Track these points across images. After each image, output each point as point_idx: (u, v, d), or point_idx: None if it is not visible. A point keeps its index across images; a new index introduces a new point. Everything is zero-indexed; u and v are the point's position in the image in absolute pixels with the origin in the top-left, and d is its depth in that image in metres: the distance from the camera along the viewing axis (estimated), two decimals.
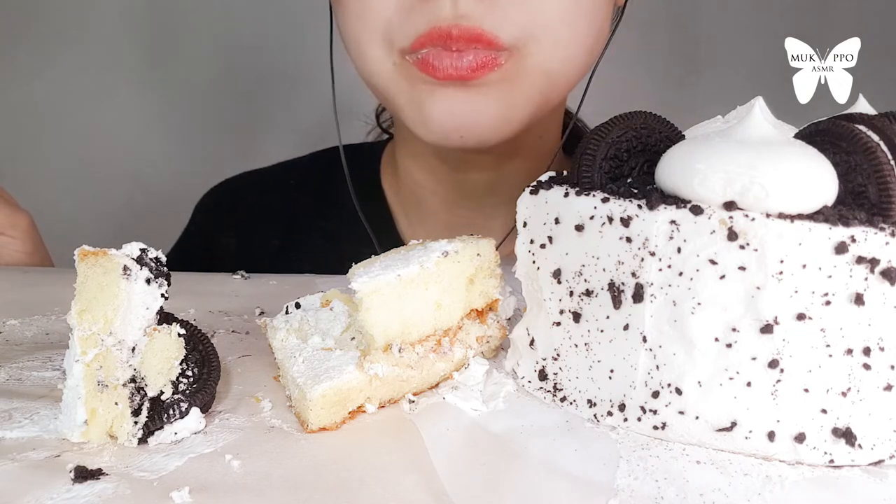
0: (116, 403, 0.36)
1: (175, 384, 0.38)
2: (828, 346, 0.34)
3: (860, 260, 0.33)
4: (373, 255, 0.44)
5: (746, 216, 0.33)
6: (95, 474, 0.33)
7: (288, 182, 0.86)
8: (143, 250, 0.37)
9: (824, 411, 0.34)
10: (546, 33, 0.57)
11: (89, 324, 0.36)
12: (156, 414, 0.37)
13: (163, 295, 0.37)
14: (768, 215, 0.33)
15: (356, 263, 0.42)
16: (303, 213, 0.84)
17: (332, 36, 0.68)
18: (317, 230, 0.81)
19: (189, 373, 0.38)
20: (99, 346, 0.36)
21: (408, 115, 0.61)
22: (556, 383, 0.41)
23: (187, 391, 0.38)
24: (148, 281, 0.37)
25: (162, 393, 0.37)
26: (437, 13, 0.54)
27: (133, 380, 0.37)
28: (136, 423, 0.36)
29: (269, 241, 0.83)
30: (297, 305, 0.47)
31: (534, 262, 0.41)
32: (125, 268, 0.36)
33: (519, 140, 0.64)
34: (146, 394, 0.37)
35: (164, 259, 0.38)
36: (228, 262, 0.77)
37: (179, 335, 0.38)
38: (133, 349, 0.37)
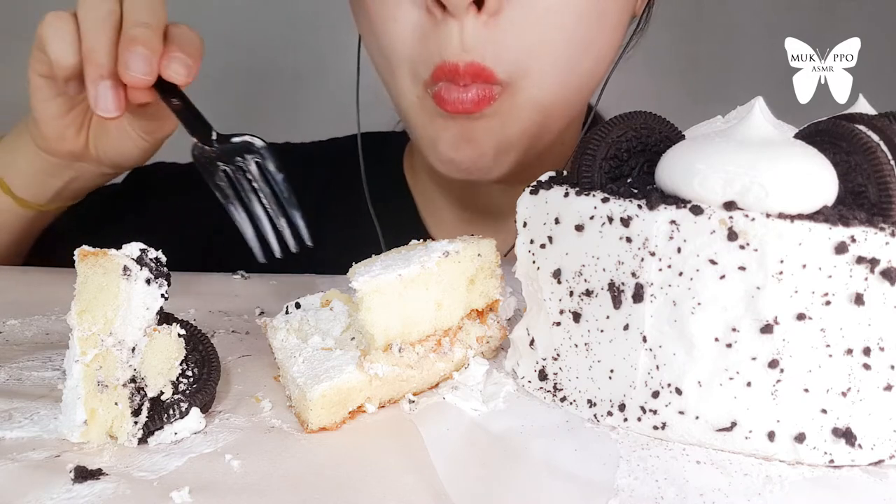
0: (116, 403, 0.36)
1: (175, 384, 0.38)
2: (828, 346, 0.34)
3: (860, 260, 0.33)
4: (373, 256, 0.44)
5: (746, 216, 0.33)
6: (95, 474, 0.33)
7: (325, 160, 0.86)
8: (142, 250, 0.37)
9: (824, 411, 0.34)
10: (536, 68, 0.59)
11: (89, 324, 0.36)
12: (156, 414, 0.37)
13: (163, 295, 0.37)
14: (768, 215, 0.33)
15: (356, 263, 0.42)
16: (334, 191, 0.84)
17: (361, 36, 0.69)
18: (344, 211, 0.81)
19: (189, 373, 0.38)
20: (99, 346, 0.36)
21: (423, 144, 0.65)
22: (556, 383, 0.41)
23: (187, 391, 0.38)
24: (148, 281, 0.37)
25: (162, 393, 0.37)
26: (448, 40, 0.57)
27: (133, 380, 0.37)
28: (135, 423, 0.36)
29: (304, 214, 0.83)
30: (297, 305, 0.47)
31: (534, 262, 0.41)
32: (125, 268, 0.36)
33: (531, 162, 0.65)
34: (146, 394, 0.37)
35: (164, 259, 0.38)
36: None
37: (179, 335, 0.38)
38: (133, 349, 0.37)
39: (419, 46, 0.59)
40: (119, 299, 0.36)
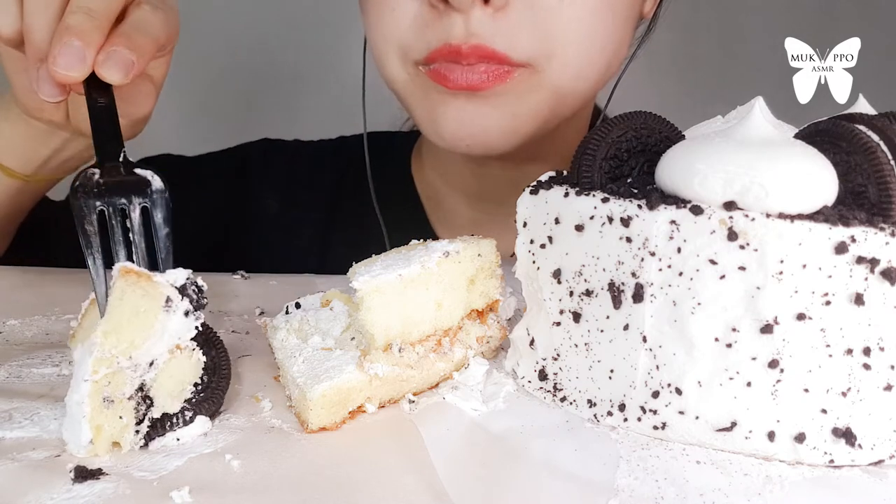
0: (121, 417, 0.35)
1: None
2: (828, 346, 0.34)
3: (860, 260, 0.33)
4: (373, 255, 0.44)
5: (746, 216, 0.33)
6: (95, 474, 0.33)
7: (334, 158, 0.86)
8: (188, 279, 0.36)
9: (824, 411, 0.34)
10: (557, 54, 0.58)
11: (112, 346, 0.34)
12: (159, 423, 0.36)
13: (196, 327, 0.37)
14: (768, 215, 0.33)
15: (356, 262, 0.42)
16: (342, 191, 0.83)
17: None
18: (352, 210, 0.81)
19: (197, 380, 0.38)
20: (113, 366, 0.34)
21: (421, 121, 0.64)
22: (556, 383, 0.41)
23: (194, 399, 0.37)
24: (186, 313, 0.36)
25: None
26: (450, 30, 0.56)
27: (141, 388, 0.36)
28: (137, 432, 0.36)
29: (311, 213, 0.82)
30: (297, 305, 0.47)
31: (534, 262, 0.41)
32: (168, 299, 0.35)
33: (540, 140, 0.64)
34: (152, 404, 0.36)
35: (205, 288, 0.37)
36: (262, 222, 0.78)
37: (201, 359, 0.38)
38: (151, 363, 0.36)
39: (416, 33, 0.58)
40: (153, 329, 0.35)
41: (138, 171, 0.43)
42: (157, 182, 0.43)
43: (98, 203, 0.41)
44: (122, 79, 0.46)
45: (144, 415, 0.36)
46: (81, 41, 0.45)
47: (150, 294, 0.35)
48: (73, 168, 0.68)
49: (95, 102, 0.46)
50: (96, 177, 0.42)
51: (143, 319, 0.35)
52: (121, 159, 0.43)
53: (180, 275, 0.36)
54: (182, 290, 0.36)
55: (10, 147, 0.63)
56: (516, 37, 0.56)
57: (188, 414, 0.37)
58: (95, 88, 0.46)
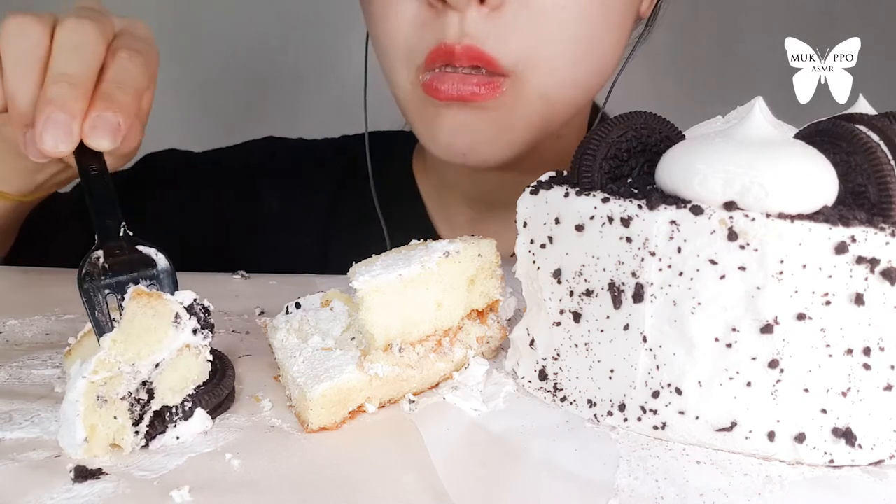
0: (115, 417, 0.35)
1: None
2: (828, 346, 0.34)
3: (860, 260, 0.33)
4: (373, 255, 0.44)
5: (746, 216, 0.33)
6: (95, 474, 0.33)
7: (336, 157, 0.86)
8: (194, 299, 0.37)
9: (824, 411, 0.34)
10: (544, 61, 0.59)
11: (118, 353, 0.35)
12: (157, 420, 0.36)
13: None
14: (768, 215, 0.33)
15: (356, 262, 0.42)
16: (345, 191, 0.83)
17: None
18: (354, 210, 0.81)
19: (201, 384, 0.38)
20: (114, 371, 0.35)
21: (419, 132, 0.65)
22: (556, 383, 0.41)
23: (194, 392, 0.38)
24: (195, 331, 0.37)
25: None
26: (446, 30, 0.57)
27: (144, 385, 0.36)
28: (136, 432, 0.36)
29: (312, 212, 0.83)
30: (297, 305, 0.47)
31: (534, 262, 0.41)
32: (177, 315, 0.36)
33: (538, 145, 0.65)
34: (149, 400, 0.36)
35: (212, 309, 0.38)
36: (263, 221, 0.78)
37: (208, 360, 0.38)
38: (157, 365, 0.36)
39: (417, 33, 0.59)
40: (162, 344, 0.36)
41: (141, 248, 0.42)
42: (161, 261, 0.42)
43: (107, 291, 0.41)
44: (111, 144, 0.45)
45: (143, 413, 0.36)
46: (65, 114, 0.44)
47: (160, 313, 0.36)
48: (69, 181, 0.68)
49: (88, 171, 0.45)
50: (101, 261, 0.41)
51: (153, 335, 0.36)
52: (121, 233, 0.43)
53: (188, 295, 0.37)
54: (189, 309, 0.37)
55: (4, 175, 0.62)
56: (507, 38, 0.57)
57: (187, 405, 0.37)
58: (85, 155, 0.45)
